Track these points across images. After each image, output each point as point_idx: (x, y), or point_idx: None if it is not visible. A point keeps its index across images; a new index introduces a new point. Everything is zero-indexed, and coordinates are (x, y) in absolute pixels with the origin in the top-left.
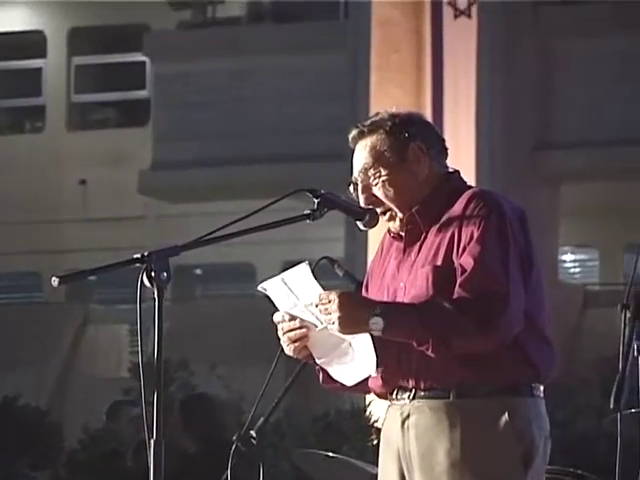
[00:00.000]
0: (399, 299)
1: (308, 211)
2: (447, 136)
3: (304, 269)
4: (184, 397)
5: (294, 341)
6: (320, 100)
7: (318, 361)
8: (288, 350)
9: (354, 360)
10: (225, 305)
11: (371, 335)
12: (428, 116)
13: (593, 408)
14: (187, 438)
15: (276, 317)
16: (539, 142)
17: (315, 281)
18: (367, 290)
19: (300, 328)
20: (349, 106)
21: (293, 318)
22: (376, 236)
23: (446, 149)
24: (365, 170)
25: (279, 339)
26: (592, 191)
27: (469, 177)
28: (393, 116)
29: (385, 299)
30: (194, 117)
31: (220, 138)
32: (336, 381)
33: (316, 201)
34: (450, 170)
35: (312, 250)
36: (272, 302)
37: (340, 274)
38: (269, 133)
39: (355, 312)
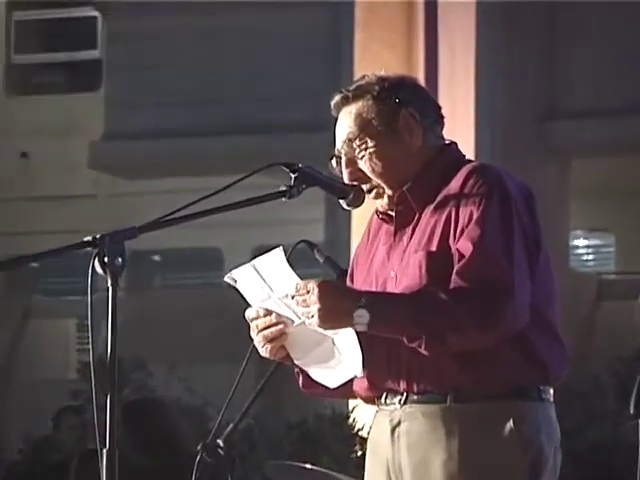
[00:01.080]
0: (389, 290)
1: (284, 188)
2: (443, 104)
3: (278, 255)
4: (126, 402)
5: (270, 340)
6: (297, 62)
7: (297, 362)
8: (263, 351)
9: (337, 359)
10: (188, 297)
11: (356, 331)
12: (421, 81)
13: (608, 414)
14: (134, 449)
15: (249, 313)
16: (547, 111)
17: (291, 269)
18: (352, 280)
19: (277, 324)
20: (330, 69)
21: (268, 313)
22: (362, 217)
23: (442, 118)
24: (349, 141)
25: (251, 338)
26: (608, 167)
27: (467, 151)
28: (382, 79)
29: (373, 290)
30: (152, 81)
31: (182, 106)
32: (318, 384)
33: (293, 176)
34: (446, 142)
35: (288, 233)
36: (241, 294)
37: (320, 260)
38: (238, 100)
39: (337, 303)
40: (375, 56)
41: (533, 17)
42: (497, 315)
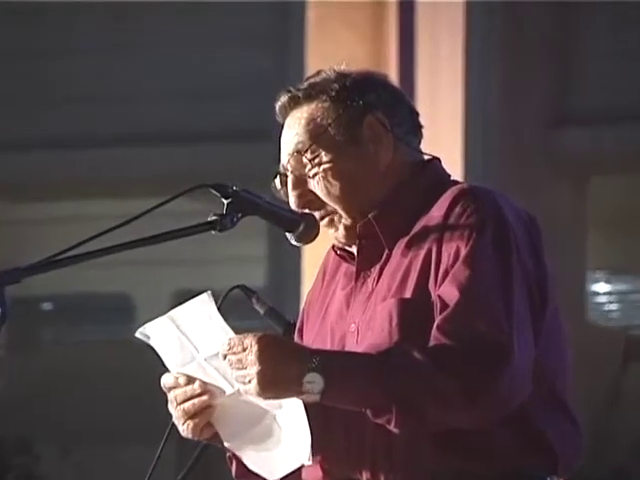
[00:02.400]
0: (349, 348)
1: (213, 217)
2: (422, 108)
3: (206, 303)
4: None
5: (192, 416)
6: (233, 50)
7: (227, 444)
8: (184, 429)
9: (280, 442)
10: (87, 357)
11: (305, 403)
12: (393, 77)
13: None
14: None
15: (166, 380)
16: (556, 116)
17: (222, 321)
18: (301, 336)
19: (201, 395)
20: (275, 58)
21: (191, 380)
22: (316, 255)
23: (420, 127)
24: (298, 154)
25: (170, 412)
26: (635, 186)
27: (453, 168)
28: (342, 75)
29: (328, 348)
30: (53, 72)
31: (89, 104)
32: (255, 474)
33: (225, 202)
34: (426, 157)
35: (219, 275)
36: (158, 354)
37: (261, 312)
38: (159, 98)
39: (282, 366)
40: (333, 40)
41: (538, 11)
42: (490, 386)
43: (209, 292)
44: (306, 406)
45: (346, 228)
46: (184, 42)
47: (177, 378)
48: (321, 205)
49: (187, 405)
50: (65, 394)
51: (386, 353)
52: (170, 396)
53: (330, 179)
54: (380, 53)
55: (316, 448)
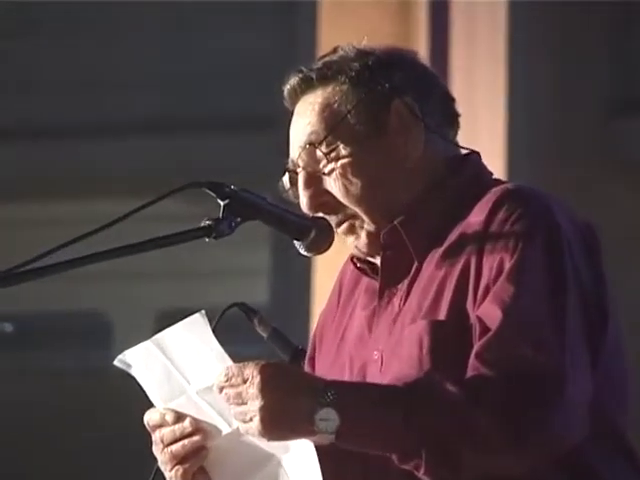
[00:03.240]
0: (371, 379)
1: (207, 222)
2: (457, 94)
3: (198, 325)
4: None
5: (182, 460)
6: (232, 27)
7: None
8: (172, 476)
9: None
10: (56, 387)
11: (317, 445)
12: (424, 56)
13: None
14: None
15: (150, 416)
16: (618, 102)
17: (218, 346)
18: (313, 365)
19: (193, 435)
20: (283, 36)
21: (180, 418)
22: (330, 268)
23: (456, 115)
24: (311, 146)
25: (154, 456)
26: None
27: (496, 165)
28: (363, 53)
29: (345, 379)
30: (14, 57)
31: (55, 93)
32: None
33: (222, 204)
34: (464, 151)
35: (212, 292)
36: (141, 386)
37: (263, 334)
38: (142, 85)
39: (290, 400)
40: (352, 16)
41: None
42: (538, 423)
43: (202, 312)
44: (318, 449)
45: (369, 235)
46: (174, 22)
47: (164, 415)
48: (338, 208)
49: (176, 447)
50: (28, 432)
51: (415, 385)
52: (156, 436)
53: (349, 176)
54: (408, 32)
55: None
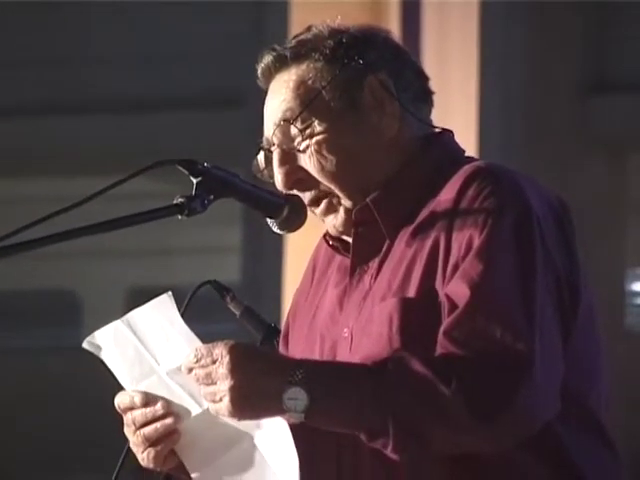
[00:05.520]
0: (341, 357)
1: (180, 200)
2: (429, 71)
3: (165, 306)
4: None
5: (154, 442)
6: (203, 6)
7: (195, 476)
8: (144, 458)
9: (262, 470)
10: (26, 367)
11: (289, 423)
12: (396, 34)
13: None
14: None
15: (120, 399)
16: (591, 82)
17: (186, 327)
18: (286, 343)
19: (164, 417)
20: (254, 16)
21: (151, 400)
22: (301, 245)
23: (430, 93)
24: (286, 123)
25: (126, 437)
26: None
27: (468, 143)
28: (337, 31)
29: (316, 357)
30: None
31: (23, 70)
32: None
33: (194, 182)
34: (436, 129)
35: (184, 269)
36: (109, 368)
37: (236, 312)
38: (112, 62)
39: (259, 380)
40: (323, 14)
41: None
42: (505, 403)
43: (169, 293)
44: (291, 427)
45: (347, 212)
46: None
47: (134, 397)
48: (313, 184)
49: (148, 430)
50: None
51: (383, 364)
52: (127, 419)
53: (324, 153)
54: (380, 12)
55: (302, 478)
